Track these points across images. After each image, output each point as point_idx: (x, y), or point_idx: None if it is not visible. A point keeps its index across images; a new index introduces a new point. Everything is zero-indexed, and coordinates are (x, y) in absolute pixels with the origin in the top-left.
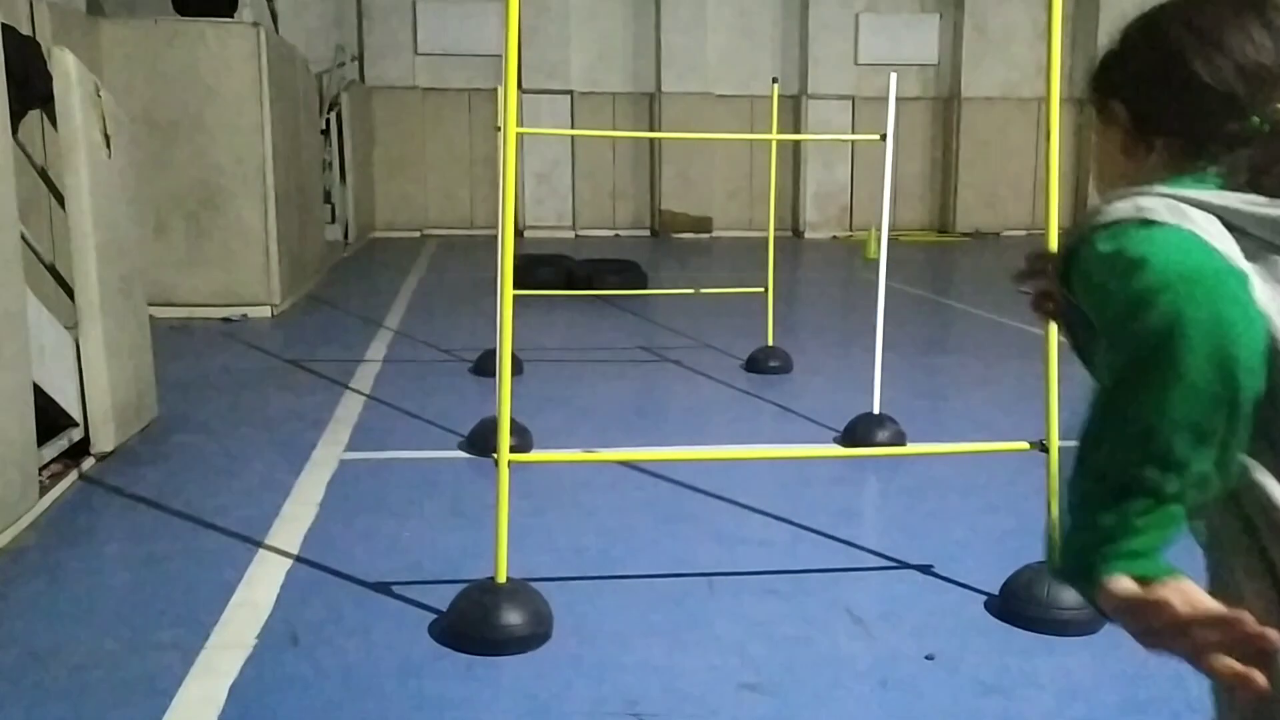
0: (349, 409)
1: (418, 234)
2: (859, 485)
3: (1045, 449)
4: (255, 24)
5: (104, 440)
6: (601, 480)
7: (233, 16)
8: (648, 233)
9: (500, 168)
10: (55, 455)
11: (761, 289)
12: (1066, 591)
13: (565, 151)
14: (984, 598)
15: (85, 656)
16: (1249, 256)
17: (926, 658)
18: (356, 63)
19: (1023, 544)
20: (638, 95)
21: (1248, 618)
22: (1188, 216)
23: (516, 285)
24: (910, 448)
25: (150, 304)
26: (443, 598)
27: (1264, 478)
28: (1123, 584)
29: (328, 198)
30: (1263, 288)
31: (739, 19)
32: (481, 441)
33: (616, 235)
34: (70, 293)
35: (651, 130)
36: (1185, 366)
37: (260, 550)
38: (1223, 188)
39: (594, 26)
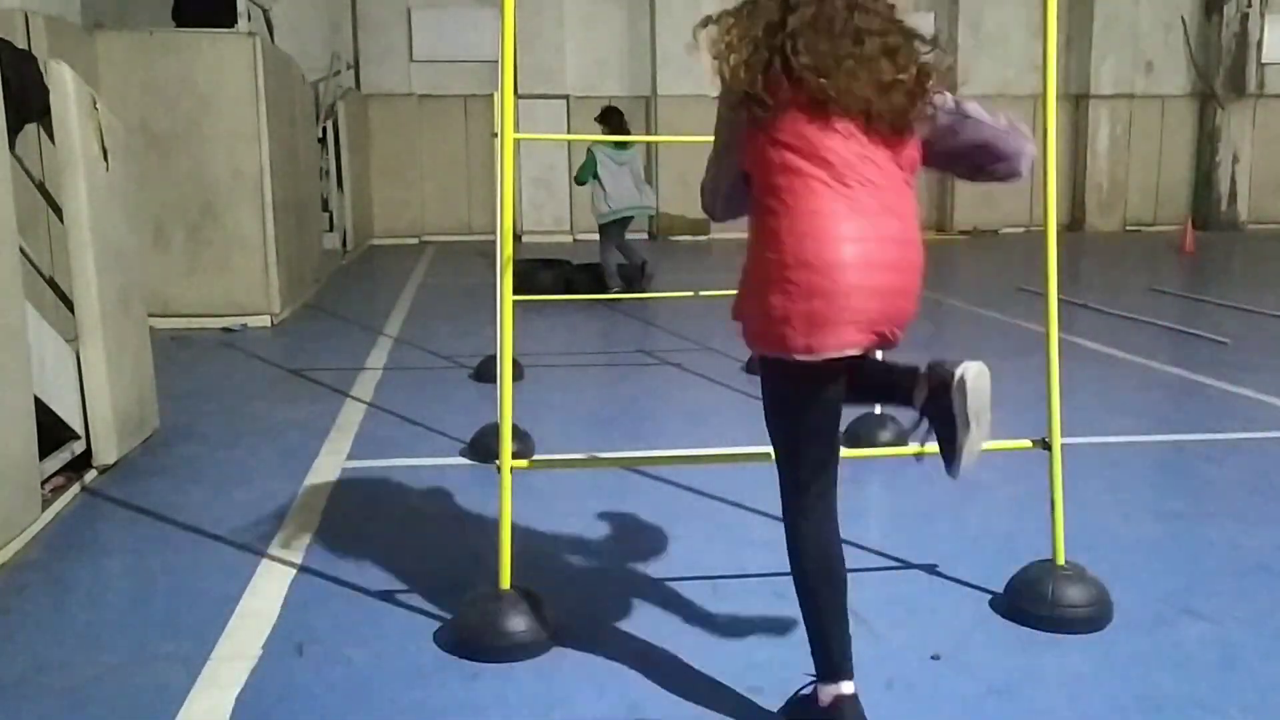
0: (350, 417)
1: (416, 240)
2: (862, 485)
3: (1047, 447)
4: (251, 34)
5: (106, 452)
6: (604, 485)
7: (233, 27)
8: (646, 235)
9: (498, 173)
10: (57, 468)
11: None
12: (1072, 589)
13: (562, 156)
14: (989, 596)
15: (90, 670)
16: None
17: (932, 657)
18: (352, 70)
19: (1026, 542)
20: (634, 99)
21: None
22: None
23: (516, 290)
24: (912, 447)
25: (150, 315)
26: (447, 605)
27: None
28: None
29: (325, 206)
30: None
31: None
32: (483, 448)
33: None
34: (70, 305)
35: (648, 133)
36: None
37: (264, 560)
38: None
39: (589, 31)
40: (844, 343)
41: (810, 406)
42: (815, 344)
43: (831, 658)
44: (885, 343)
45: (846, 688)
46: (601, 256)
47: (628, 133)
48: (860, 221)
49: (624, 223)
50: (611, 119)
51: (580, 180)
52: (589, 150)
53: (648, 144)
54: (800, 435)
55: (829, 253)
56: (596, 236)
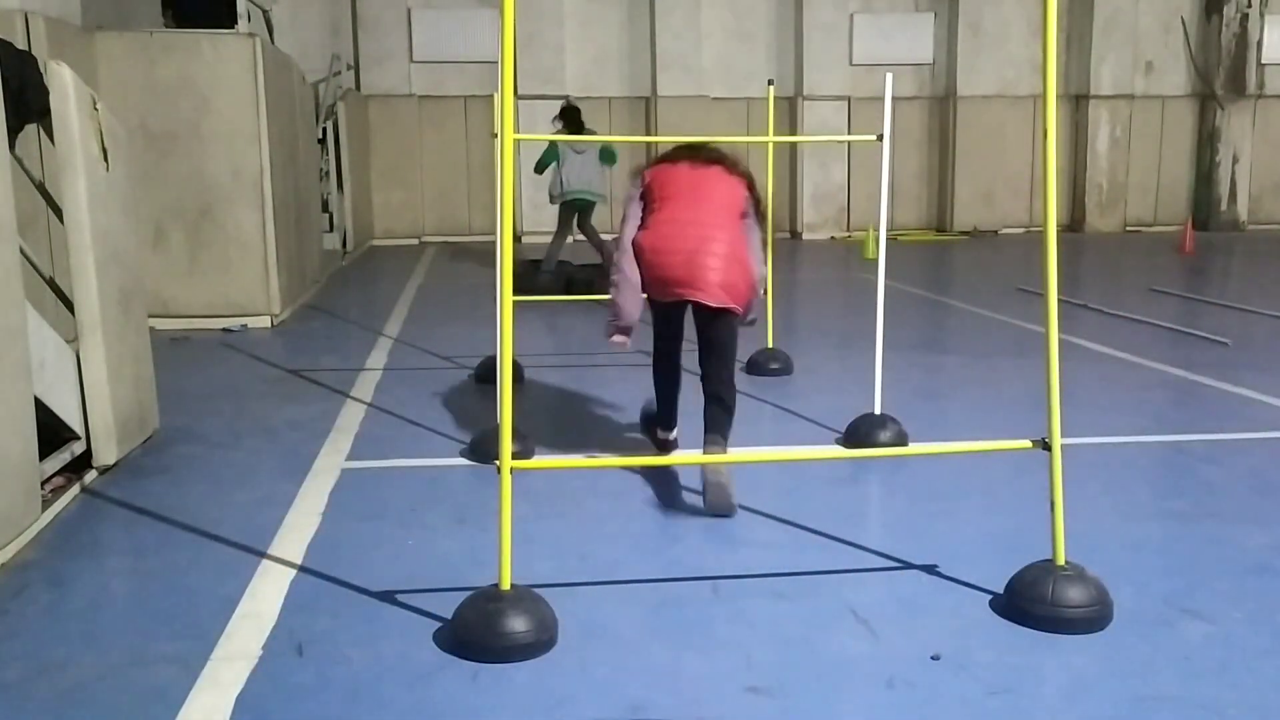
0: (350, 418)
1: (416, 241)
2: (861, 486)
3: (1047, 447)
4: (251, 34)
5: (106, 453)
6: (604, 485)
7: (233, 28)
8: None
9: (498, 174)
10: (57, 469)
11: (760, 291)
12: (1072, 589)
13: None
14: (989, 596)
15: (90, 670)
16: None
17: (932, 658)
18: (352, 71)
19: (1026, 542)
20: (634, 99)
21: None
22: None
23: (516, 291)
24: (912, 448)
25: (150, 315)
26: (447, 605)
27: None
28: None
29: (325, 206)
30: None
31: (733, 21)
32: (483, 448)
33: (615, 239)
34: (70, 306)
35: (648, 134)
36: None
37: (264, 561)
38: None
39: (589, 31)
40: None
41: (662, 318)
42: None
43: (666, 417)
44: (693, 298)
45: (671, 434)
46: (552, 243)
47: (583, 126)
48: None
49: (576, 207)
50: (568, 115)
51: (539, 169)
52: (551, 144)
53: (646, 145)
54: (658, 326)
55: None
56: (606, 237)
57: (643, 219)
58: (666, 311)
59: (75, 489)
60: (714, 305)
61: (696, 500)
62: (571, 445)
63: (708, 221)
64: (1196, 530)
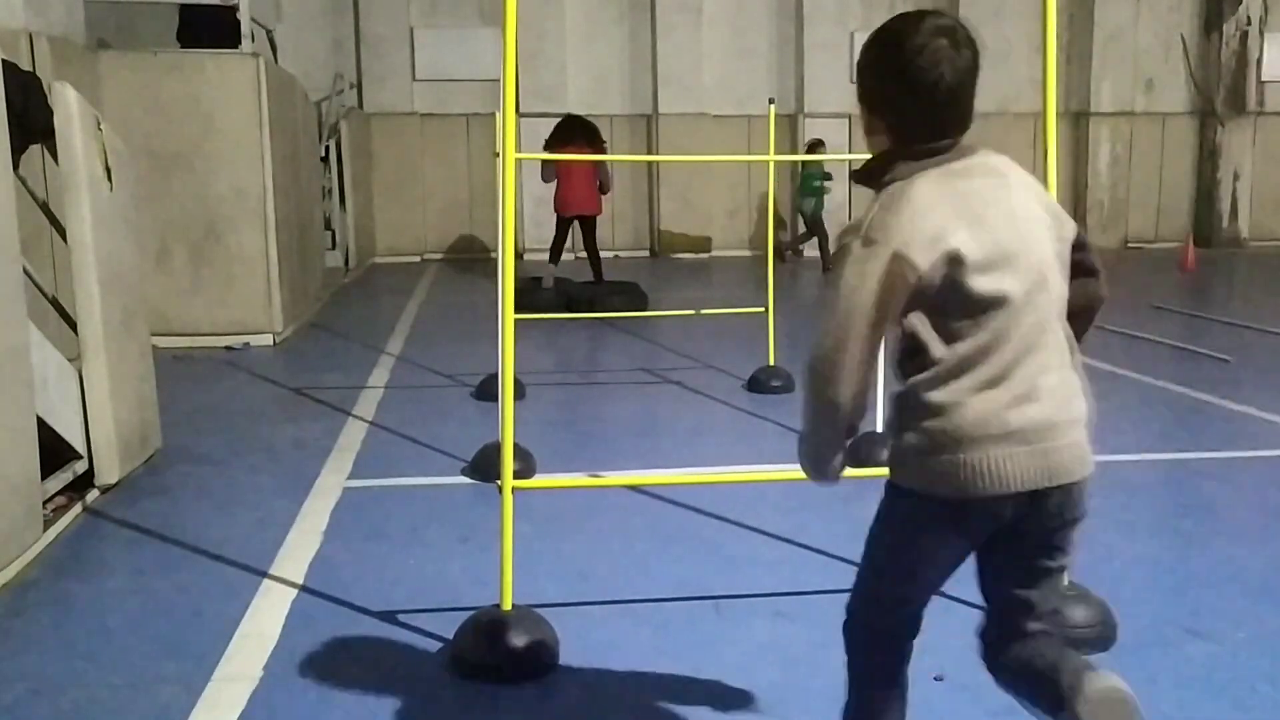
0: (352, 436)
1: (418, 259)
2: (864, 503)
3: None
4: (255, 54)
5: (108, 472)
6: (606, 504)
7: (237, 48)
8: (647, 253)
9: (500, 192)
10: (59, 488)
11: (762, 308)
12: (1076, 610)
13: None
14: None
15: (91, 692)
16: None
17: (936, 678)
18: (355, 90)
19: None
20: (635, 117)
21: None
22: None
23: (517, 308)
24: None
25: (152, 334)
26: (449, 625)
27: None
28: None
29: (328, 224)
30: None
31: (734, 39)
32: (485, 467)
33: (616, 256)
34: (73, 325)
35: (649, 152)
36: None
37: (265, 580)
38: None
39: (591, 50)
40: None
41: (564, 221)
42: None
43: (557, 256)
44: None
45: (552, 270)
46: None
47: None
48: None
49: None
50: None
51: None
52: None
53: (649, 162)
54: (562, 226)
55: None
56: (599, 253)
57: (558, 180)
58: (568, 219)
59: (77, 508)
60: (589, 214)
61: (699, 519)
62: (573, 464)
63: (584, 182)
64: (1200, 550)
